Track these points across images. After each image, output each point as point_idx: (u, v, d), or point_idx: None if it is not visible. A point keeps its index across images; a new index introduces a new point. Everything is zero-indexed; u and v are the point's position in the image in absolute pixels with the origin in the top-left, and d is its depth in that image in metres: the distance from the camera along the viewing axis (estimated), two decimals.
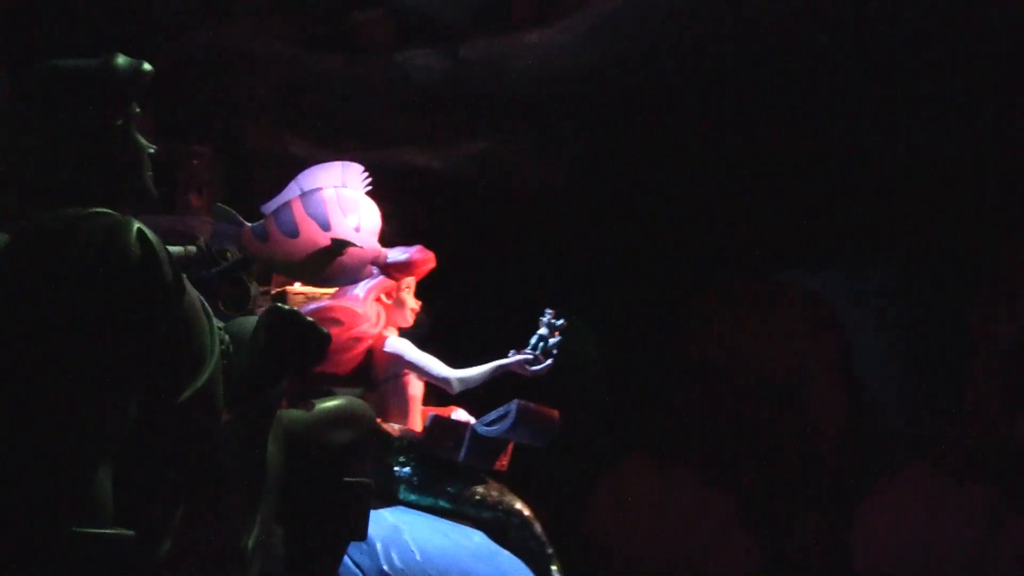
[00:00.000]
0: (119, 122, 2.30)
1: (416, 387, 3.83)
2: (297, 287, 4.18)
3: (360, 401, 2.74)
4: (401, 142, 6.02)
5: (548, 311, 3.83)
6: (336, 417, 2.59)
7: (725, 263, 5.40)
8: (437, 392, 3.97)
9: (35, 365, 1.92)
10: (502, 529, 3.86)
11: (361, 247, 3.25)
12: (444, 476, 3.79)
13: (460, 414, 3.89)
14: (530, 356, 3.72)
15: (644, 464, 5.23)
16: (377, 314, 3.76)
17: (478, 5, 5.98)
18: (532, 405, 3.73)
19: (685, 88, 5.22)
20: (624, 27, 5.31)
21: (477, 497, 3.83)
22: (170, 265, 2.04)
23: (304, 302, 4.09)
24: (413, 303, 3.85)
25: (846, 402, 5.08)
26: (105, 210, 2.08)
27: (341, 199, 3.25)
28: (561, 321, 3.80)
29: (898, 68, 5.02)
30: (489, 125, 5.91)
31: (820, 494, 4.99)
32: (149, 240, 2.01)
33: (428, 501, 3.75)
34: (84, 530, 1.84)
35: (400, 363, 3.74)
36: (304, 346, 2.39)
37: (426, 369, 3.73)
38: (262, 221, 3.22)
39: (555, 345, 3.75)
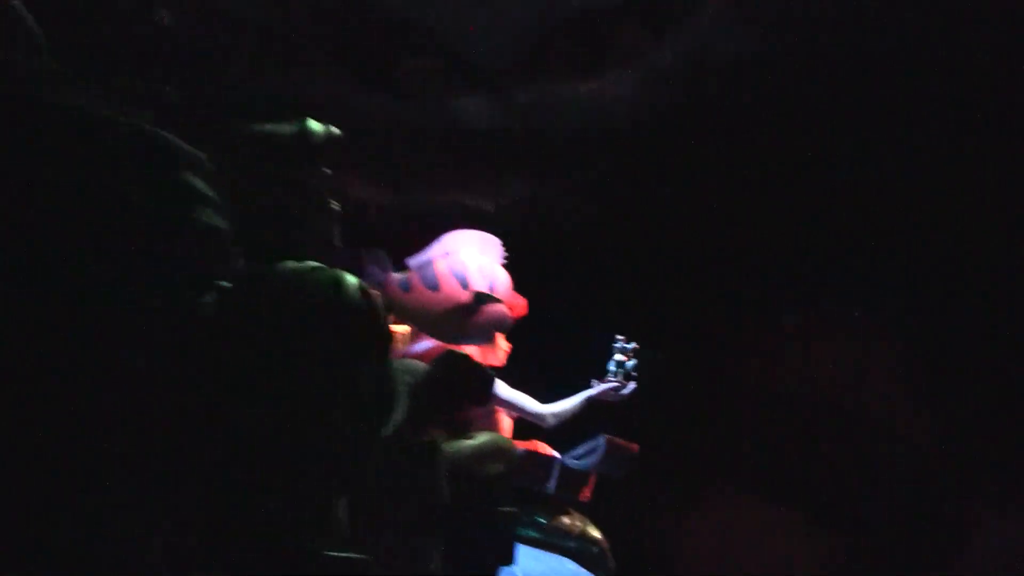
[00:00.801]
0: (311, 182, 2.53)
1: (506, 423, 4.04)
2: None
3: (504, 436, 2.97)
4: (452, 185, 6.23)
5: (618, 337, 4.07)
6: (489, 451, 2.82)
7: (785, 294, 5.62)
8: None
9: (277, 404, 2.14)
10: (581, 558, 4.08)
11: (496, 307, 3.44)
12: (533, 507, 4.01)
13: (543, 447, 4.12)
14: (616, 383, 3.95)
15: (716, 494, 5.41)
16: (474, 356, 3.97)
17: (529, 53, 6.19)
18: (618, 439, 3.98)
19: (736, 137, 5.49)
20: (675, 78, 5.57)
21: (563, 527, 4.05)
22: (384, 316, 2.27)
23: None
24: (504, 344, 4.07)
25: (928, 429, 5.25)
26: (321, 264, 2.31)
27: (479, 263, 3.46)
28: (633, 344, 4.04)
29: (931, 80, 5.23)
30: (538, 169, 6.14)
31: (913, 525, 5.15)
32: (369, 293, 2.24)
33: (519, 531, 3.95)
34: (331, 553, 2.05)
35: (494, 401, 3.93)
36: (475, 385, 2.62)
37: (521, 406, 3.93)
38: (406, 273, 3.42)
39: (634, 368, 4.00)
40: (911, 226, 5.34)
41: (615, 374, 3.98)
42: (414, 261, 3.44)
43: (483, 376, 2.61)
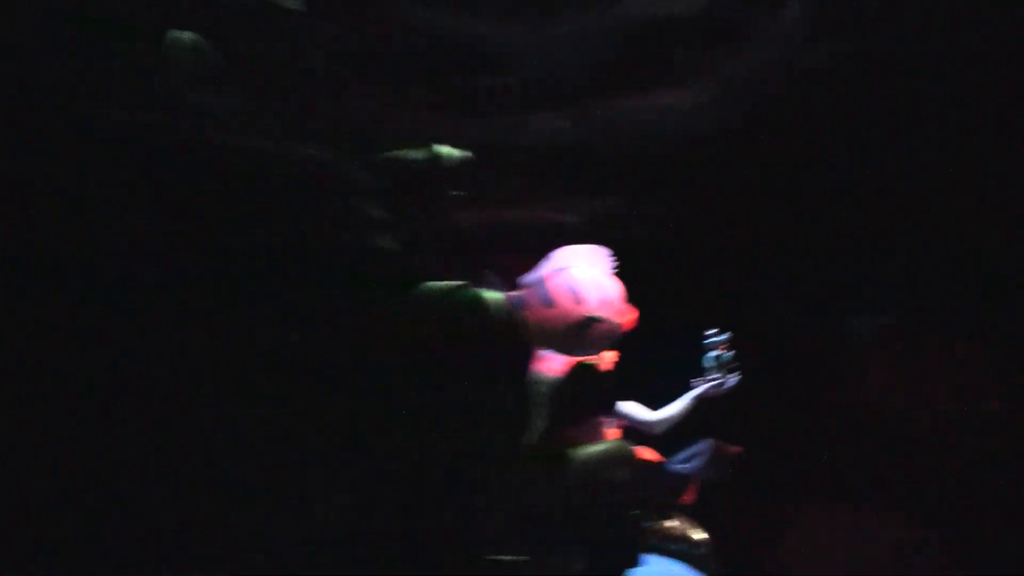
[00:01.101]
0: (439, 203, 2.66)
1: (611, 432, 4.13)
2: None
3: (626, 444, 3.07)
4: (535, 200, 6.32)
5: (708, 332, 4.14)
6: (613, 457, 2.93)
7: (879, 296, 5.65)
8: None
9: (431, 417, 2.27)
10: (686, 560, 4.17)
11: (609, 320, 3.54)
12: (638, 511, 4.11)
13: (649, 452, 4.22)
14: (719, 378, 4.02)
15: (821, 495, 5.45)
16: None
17: (604, 68, 6.25)
18: (722, 443, 4.07)
19: (813, 147, 5.55)
20: (752, 88, 5.64)
21: (668, 530, 4.15)
22: (524, 331, 2.39)
23: None
24: (611, 356, 4.15)
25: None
26: (463, 283, 2.44)
27: (591, 276, 3.56)
28: (726, 335, 4.11)
29: None
30: (618, 183, 6.21)
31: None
32: (512, 310, 2.37)
33: None
34: (494, 557, 2.17)
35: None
36: (602, 395, 2.74)
37: (629, 415, 4.02)
38: (521, 291, 3.53)
39: (732, 359, 4.07)
40: (1007, 231, 5.35)
41: (717, 369, 4.05)
42: (527, 279, 3.55)
43: (609, 386, 2.73)
